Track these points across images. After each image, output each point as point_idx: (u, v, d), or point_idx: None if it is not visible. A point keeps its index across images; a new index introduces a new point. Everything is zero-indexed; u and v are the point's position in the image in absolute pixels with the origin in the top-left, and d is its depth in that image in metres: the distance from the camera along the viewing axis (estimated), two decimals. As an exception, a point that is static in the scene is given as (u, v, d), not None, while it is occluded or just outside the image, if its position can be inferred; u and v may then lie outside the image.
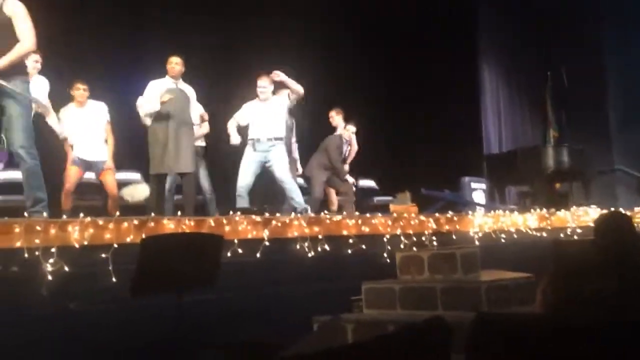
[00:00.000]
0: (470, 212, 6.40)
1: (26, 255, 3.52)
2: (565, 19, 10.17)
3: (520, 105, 10.69)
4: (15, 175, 4.09)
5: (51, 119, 5.18)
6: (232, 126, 5.73)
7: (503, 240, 6.00)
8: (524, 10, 10.34)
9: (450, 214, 5.92)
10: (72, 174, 5.36)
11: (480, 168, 9.05)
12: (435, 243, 5.29)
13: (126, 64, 6.74)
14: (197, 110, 5.59)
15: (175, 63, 5.25)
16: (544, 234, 6.35)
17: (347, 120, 6.78)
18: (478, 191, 8.45)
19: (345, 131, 6.72)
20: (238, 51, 7.32)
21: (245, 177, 5.54)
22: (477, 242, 5.55)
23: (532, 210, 6.68)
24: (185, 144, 5.18)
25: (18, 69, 3.73)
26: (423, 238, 5.32)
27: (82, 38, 6.49)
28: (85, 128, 5.41)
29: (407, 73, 8.66)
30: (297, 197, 5.51)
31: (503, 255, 5.19)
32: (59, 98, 5.46)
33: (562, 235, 6.45)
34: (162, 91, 5.21)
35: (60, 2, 6.19)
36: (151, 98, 5.22)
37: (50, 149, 5.34)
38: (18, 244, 3.52)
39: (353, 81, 8.07)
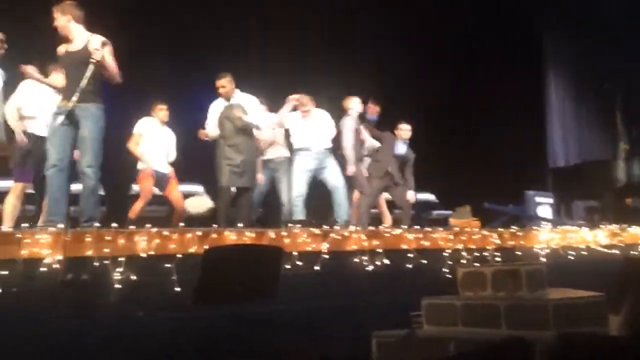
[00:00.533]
0: (535, 228, 6.20)
1: (96, 263, 3.69)
2: (633, 28, 9.74)
3: (588, 116, 10.28)
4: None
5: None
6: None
7: (571, 257, 5.77)
8: (592, 20, 9.97)
9: (514, 229, 5.76)
10: (149, 186, 5.57)
11: (545, 182, 8.75)
12: (498, 259, 5.15)
13: (189, 77, 6.92)
14: (259, 119, 5.50)
15: (220, 86, 5.39)
16: (615, 251, 6.07)
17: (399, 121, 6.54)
18: (543, 206, 8.17)
19: (402, 132, 6.44)
20: (292, 66, 7.40)
21: (301, 187, 5.60)
22: (543, 259, 5.36)
23: (601, 226, 6.40)
24: (243, 159, 5.26)
25: (97, 97, 4.11)
26: (486, 253, 5.20)
27: (146, 51, 6.75)
28: (163, 145, 5.69)
29: (468, 84, 8.52)
30: (343, 210, 5.56)
31: (571, 272, 4.98)
32: (124, 113, 5.69)
33: (634, 252, 6.14)
34: (220, 111, 5.39)
35: (126, 20, 6.50)
36: (209, 123, 5.48)
37: (117, 164, 5.58)
38: (89, 253, 3.69)
39: (412, 92, 8.00)
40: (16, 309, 3.26)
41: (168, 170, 5.72)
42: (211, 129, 5.49)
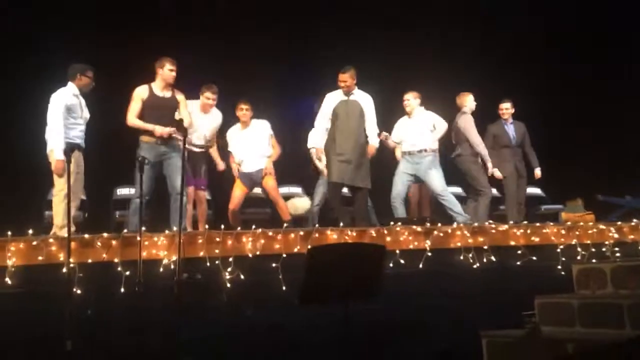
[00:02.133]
0: (658, 220, 5.70)
1: (208, 264, 3.88)
2: None
3: None
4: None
5: (213, 151, 5.55)
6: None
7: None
8: None
9: (634, 222, 5.35)
10: (237, 195, 5.53)
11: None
12: (618, 254, 4.80)
13: (293, 79, 6.98)
14: (372, 121, 5.37)
15: (341, 80, 5.29)
16: None
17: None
18: (666, 196, 7.48)
19: (503, 111, 6.04)
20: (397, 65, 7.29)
21: (396, 186, 5.61)
22: (668, 254, 4.92)
23: None
24: (357, 158, 5.18)
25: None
26: (603, 249, 4.87)
27: (252, 55, 6.86)
28: (249, 146, 5.55)
29: (583, 72, 7.99)
30: (456, 209, 5.42)
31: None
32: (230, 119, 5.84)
33: None
34: (336, 103, 5.30)
35: (229, 27, 6.75)
36: (323, 112, 5.37)
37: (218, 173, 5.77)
38: (201, 254, 3.89)
39: (521, 81, 7.60)
40: (138, 307, 3.50)
41: (260, 166, 5.52)
42: (320, 119, 5.37)
